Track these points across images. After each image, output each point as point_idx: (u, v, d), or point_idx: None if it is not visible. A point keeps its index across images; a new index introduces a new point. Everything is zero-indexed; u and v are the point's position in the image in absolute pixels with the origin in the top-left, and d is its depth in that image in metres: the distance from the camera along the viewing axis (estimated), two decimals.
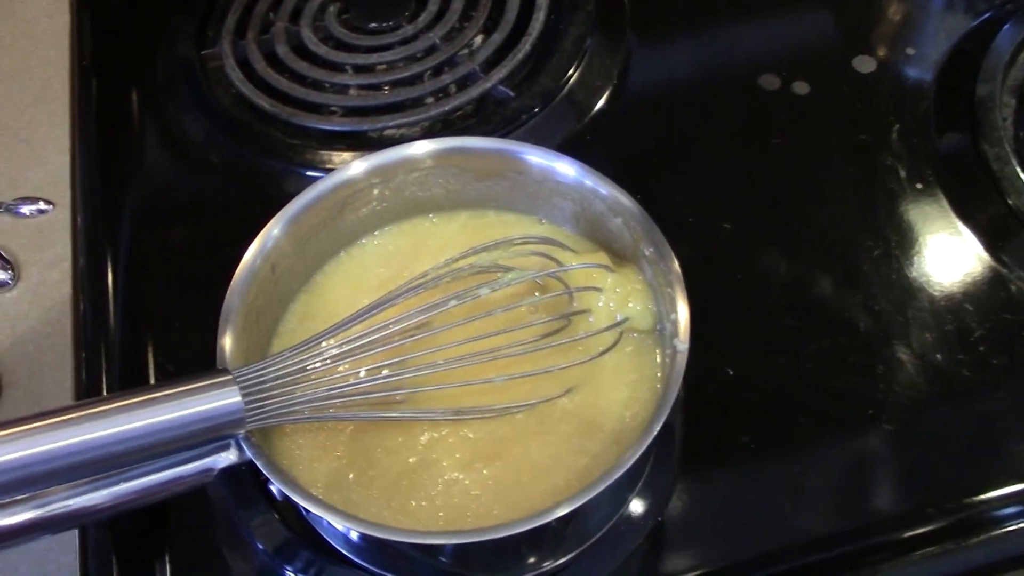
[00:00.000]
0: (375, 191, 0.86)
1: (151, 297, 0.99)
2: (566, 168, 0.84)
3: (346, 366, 0.77)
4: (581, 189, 0.84)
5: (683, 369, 0.74)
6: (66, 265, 1.00)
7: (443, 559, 0.78)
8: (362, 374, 0.79)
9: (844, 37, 1.13)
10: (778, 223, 0.99)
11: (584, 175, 0.83)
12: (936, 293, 0.93)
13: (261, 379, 0.72)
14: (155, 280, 1.00)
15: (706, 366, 0.88)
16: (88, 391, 0.92)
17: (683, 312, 0.76)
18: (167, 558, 0.85)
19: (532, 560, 0.81)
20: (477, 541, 0.70)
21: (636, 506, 0.83)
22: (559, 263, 0.83)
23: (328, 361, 0.76)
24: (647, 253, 0.80)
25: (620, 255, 0.84)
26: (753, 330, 0.93)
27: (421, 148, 0.85)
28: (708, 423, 0.88)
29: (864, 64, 1.09)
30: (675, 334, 0.76)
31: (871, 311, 0.92)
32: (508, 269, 0.82)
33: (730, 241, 0.98)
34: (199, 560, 0.86)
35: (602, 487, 0.69)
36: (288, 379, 0.73)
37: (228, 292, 0.78)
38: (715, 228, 0.98)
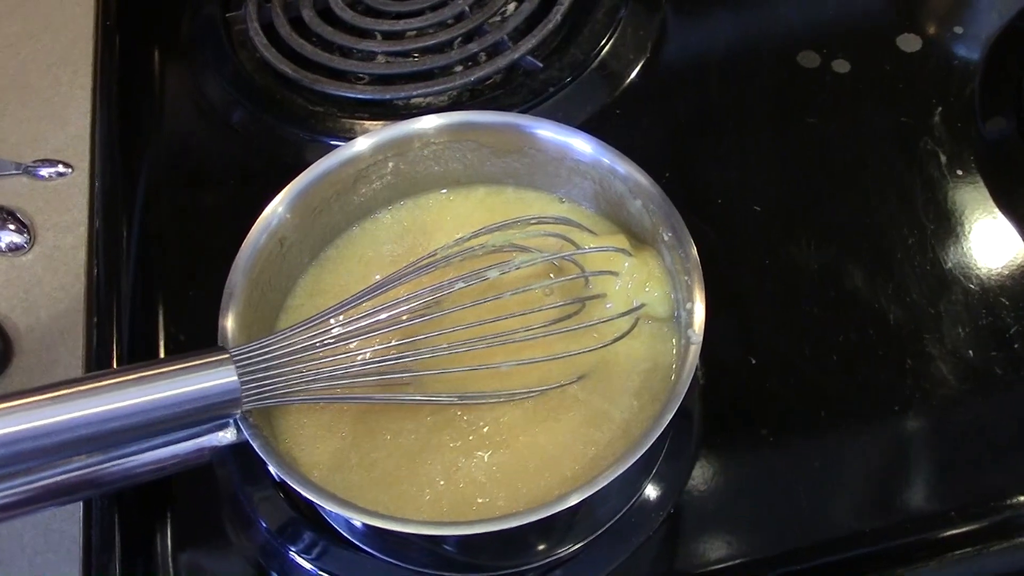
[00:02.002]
0: (390, 164, 0.84)
1: (165, 264, 0.97)
2: (583, 145, 0.81)
3: (349, 347, 0.76)
4: (599, 168, 0.81)
5: (696, 362, 0.72)
6: (82, 230, 0.99)
7: (447, 547, 0.77)
8: (367, 355, 0.77)
9: (889, 13, 1.08)
10: (811, 207, 0.96)
11: (602, 153, 0.81)
12: (971, 286, 0.90)
13: (259, 358, 0.70)
14: (170, 247, 0.99)
15: (728, 353, 0.87)
16: (98, 359, 0.91)
17: (699, 302, 0.74)
18: (169, 530, 0.84)
19: (541, 548, 0.79)
20: (478, 533, 0.68)
21: (650, 495, 0.82)
22: (576, 245, 0.80)
23: (330, 341, 0.73)
24: (666, 238, 0.78)
25: (640, 238, 0.82)
26: (779, 318, 0.90)
27: (431, 122, 0.83)
28: (728, 412, 0.86)
29: (909, 43, 1.05)
30: (690, 324, 0.73)
31: (902, 302, 0.89)
32: (522, 249, 0.80)
33: (760, 224, 0.95)
34: (202, 534, 0.85)
35: (608, 480, 0.67)
36: (287, 359, 0.72)
37: (231, 269, 0.77)
38: (745, 210, 0.95)
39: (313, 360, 0.73)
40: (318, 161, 0.81)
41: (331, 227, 0.85)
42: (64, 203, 1.00)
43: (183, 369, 0.68)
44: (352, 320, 0.74)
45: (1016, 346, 0.87)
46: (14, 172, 1.02)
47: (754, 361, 0.87)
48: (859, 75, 1.03)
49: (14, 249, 0.98)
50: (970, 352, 0.86)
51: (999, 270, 0.90)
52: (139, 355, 0.91)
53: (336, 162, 0.82)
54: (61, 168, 1.02)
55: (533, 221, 0.82)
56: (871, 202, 0.95)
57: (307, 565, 0.81)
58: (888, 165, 0.98)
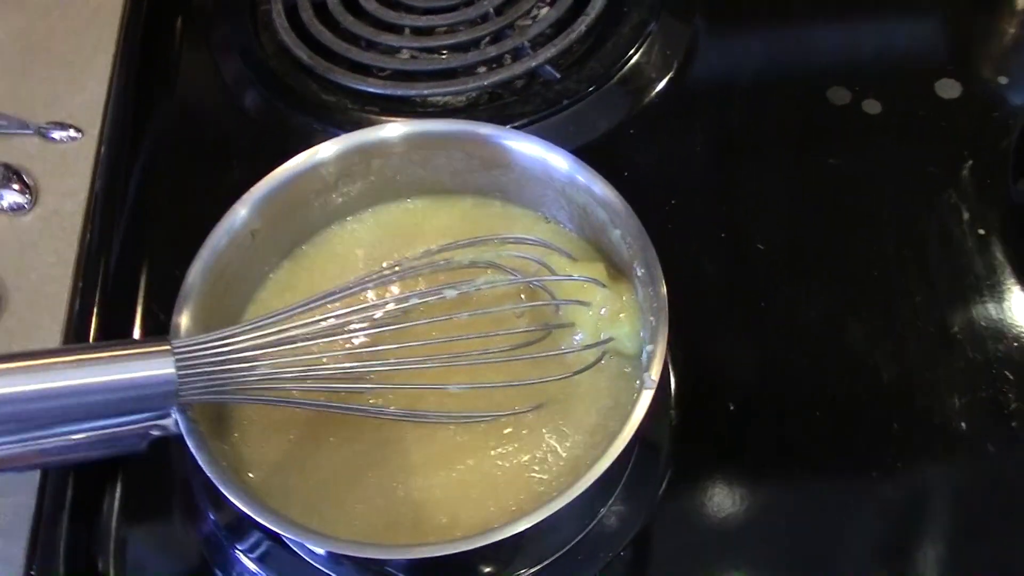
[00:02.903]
0: (373, 165, 0.82)
1: (156, 240, 0.97)
2: (560, 162, 0.79)
3: (298, 350, 0.74)
4: (578, 189, 0.78)
5: (645, 409, 0.68)
6: (83, 197, 0.98)
7: (389, 568, 0.75)
8: (322, 361, 0.75)
9: (932, 55, 1.04)
10: (818, 251, 0.92)
11: (578, 171, 0.78)
12: (975, 355, 0.85)
13: (203, 353, 0.69)
14: (162, 222, 0.98)
15: (706, 395, 0.84)
16: (77, 327, 0.90)
17: (661, 345, 0.70)
18: (117, 505, 0.83)
19: (488, 571, 0.78)
20: (406, 559, 0.67)
21: (608, 524, 0.79)
22: (551, 269, 0.78)
23: (279, 343, 0.71)
24: (639, 273, 0.74)
25: (619, 268, 0.79)
26: (765, 364, 0.86)
27: (399, 130, 0.81)
28: (698, 457, 0.83)
29: (948, 88, 1.00)
30: (648, 368, 0.70)
31: (899, 362, 0.85)
32: (494, 266, 0.78)
33: (762, 263, 0.91)
34: (150, 514, 0.84)
35: (542, 518, 0.65)
36: (233, 356, 0.70)
37: (191, 266, 0.76)
38: (748, 247, 0.91)
39: (259, 360, 0.71)
40: (283, 165, 0.80)
41: (308, 224, 0.84)
42: (70, 167, 1.00)
43: (121, 356, 0.67)
44: (305, 324, 0.72)
45: (1014, 424, 0.82)
46: (27, 132, 1.02)
47: (732, 407, 0.83)
48: (889, 118, 0.99)
49: (15, 209, 0.97)
50: (963, 424, 0.82)
51: (1008, 341, 0.85)
52: (117, 328, 0.91)
53: (301, 166, 0.80)
54: (72, 132, 1.02)
55: (511, 240, 0.79)
56: (882, 251, 0.91)
57: (250, 564, 0.80)
58: (906, 214, 0.93)
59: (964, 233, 0.91)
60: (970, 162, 0.95)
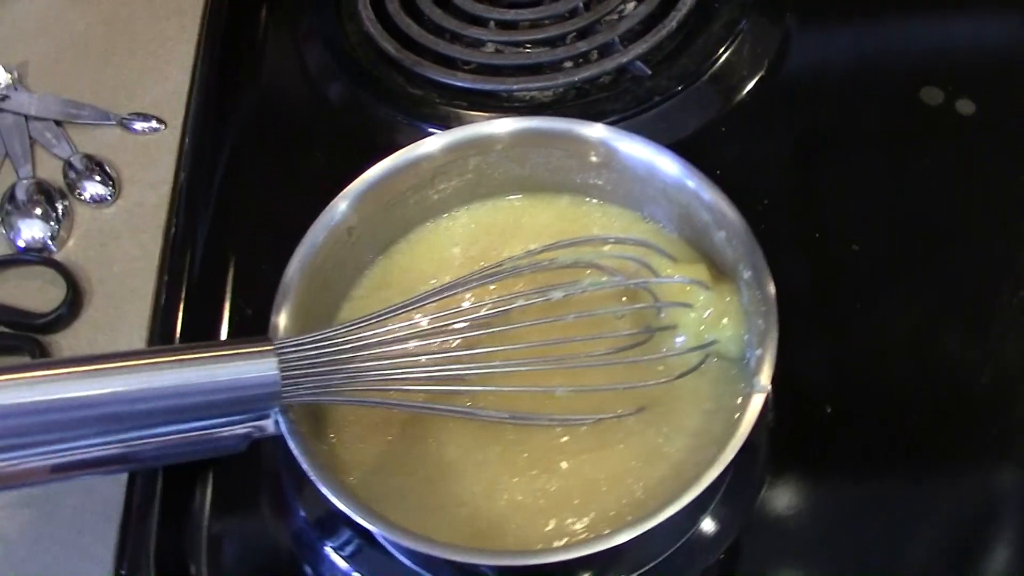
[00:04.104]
0: (471, 162, 0.81)
1: (242, 232, 0.96)
2: (669, 166, 0.78)
3: (401, 351, 0.73)
4: (684, 191, 0.77)
5: (757, 413, 0.68)
6: (166, 189, 0.97)
7: (482, 570, 0.75)
8: (420, 361, 0.74)
9: None
10: (913, 252, 0.90)
11: (688, 175, 0.77)
12: None
13: (305, 353, 0.69)
14: (248, 216, 0.97)
15: (804, 397, 0.83)
16: (163, 321, 0.90)
17: (771, 349, 0.69)
18: (208, 503, 0.82)
19: None
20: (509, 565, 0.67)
21: (705, 531, 0.78)
22: (653, 271, 0.77)
23: (381, 344, 0.71)
24: (745, 276, 0.74)
25: (721, 270, 0.78)
26: (862, 366, 0.85)
27: (507, 127, 0.81)
28: (797, 460, 0.81)
29: None
30: (758, 372, 0.69)
31: (996, 367, 0.83)
32: (596, 267, 0.77)
33: (856, 264, 0.90)
34: (240, 511, 0.83)
35: (653, 524, 0.64)
36: (335, 357, 0.69)
37: (289, 262, 0.76)
38: (843, 247, 0.90)
39: (361, 361, 0.70)
40: (388, 158, 0.79)
41: (404, 220, 0.83)
42: (153, 159, 1.00)
43: (225, 356, 0.67)
44: (407, 324, 0.72)
45: None
46: (109, 123, 1.02)
47: (829, 410, 0.82)
48: (984, 119, 0.97)
49: (98, 201, 0.97)
50: None
51: None
52: (203, 323, 0.90)
53: (405, 161, 0.79)
54: (155, 123, 1.02)
55: (612, 240, 0.78)
56: (977, 255, 0.90)
57: (340, 563, 0.79)
58: (1001, 217, 0.92)
59: None
60: None
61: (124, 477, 0.82)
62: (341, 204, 0.78)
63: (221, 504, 0.83)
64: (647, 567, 0.77)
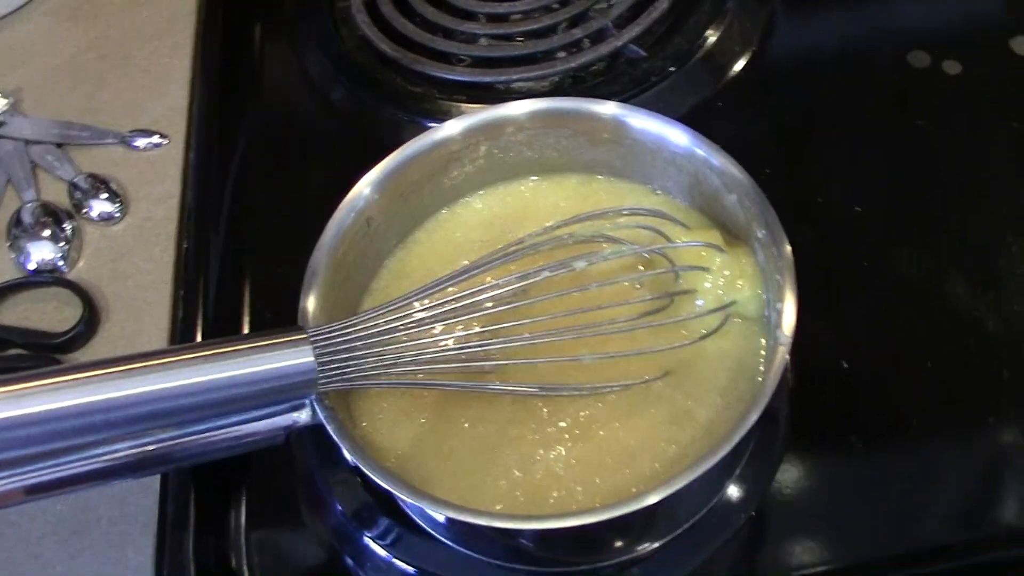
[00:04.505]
0: (482, 148, 0.83)
1: (255, 239, 0.97)
2: (679, 136, 0.79)
3: (430, 332, 0.74)
4: (694, 160, 0.79)
5: (783, 363, 0.69)
6: (174, 202, 0.98)
7: (523, 540, 0.76)
8: (449, 342, 0.76)
9: (1005, 14, 1.04)
10: (913, 210, 0.92)
11: (697, 144, 0.78)
12: None
13: (338, 340, 0.69)
14: (260, 222, 0.99)
15: (820, 356, 0.84)
16: (183, 331, 0.90)
17: (790, 302, 0.71)
18: (243, 508, 0.83)
19: (619, 545, 0.78)
20: (555, 527, 0.67)
21: (731, 496, 0.79)
22: (667, 238, 0.78)
23: (411, 326, 0.72)
24: (759, 235, 0.75)
25: (734, 234, 0.80)
26: (873, 323, 0.87)
27: (525, 107, 0.82)
28: (816, 416, 0.83)
29: (1023, 45, 1.01)
30: (779, 324, 0.71)
31: (1003, 313, 0.85)
32: (612, 240, 0.78)
33: (860, 225, 0.92)
34: (275, 513, 0.84)
35: (689, 480, 0.65)
36: (366, 342, 0.70)
37: (316, 248, 0.76)
38: (845, 210, 0.92)
39: (393, 344, 0.71)
40: (408, 143, 0.80)
41: (420, 209, 0.84)
42: (158, 174, 1.00)
43: (259, 347, 0.67)
44: (435, 305, 0.73)
45: None
46: (111, 142, 1.03)
47: (846, 365, 0.84)
48: (970, 77, 0.99)
49: (106, 218, 0.98)
50: None
51: None
52: (224, 330, 0.91)
53: (426, 145, 0.81)
54: (157, 139, 1.03)
55: (625, 212, 0.80)
56: (976, 208, 0.92)
57: (381, 551, 0.80)
58: (996, 171, 0.94)
59: None
60: None
61: (156, 487, 0.82)
62: (364, 188, 0.79)
63: (257, 507, 0.84)
64: (676, 533, 0.78)
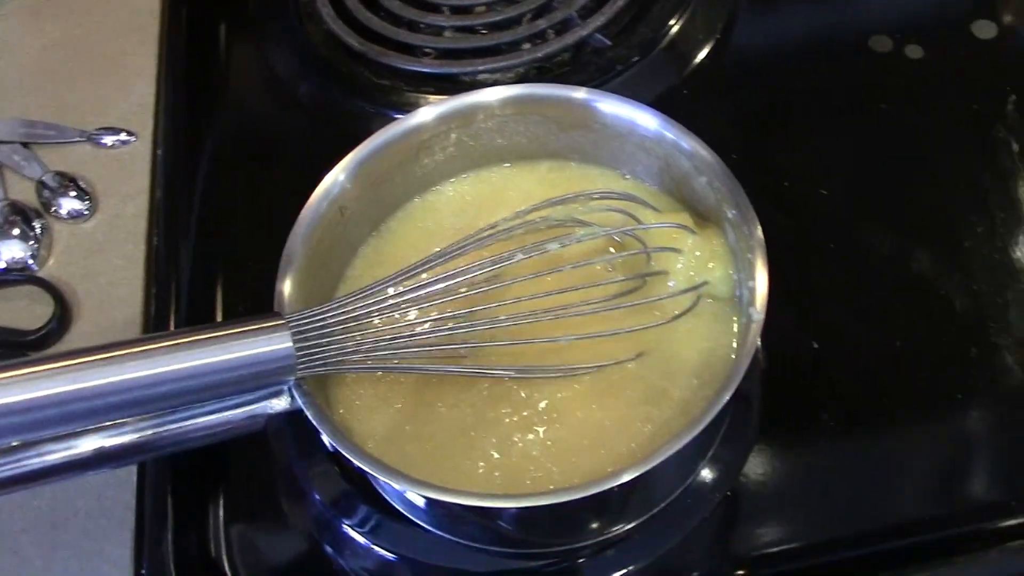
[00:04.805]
0: (453, 136, 0.83)
1: (226, 234, 0.97)
2: (648, 120, 0.80)
3: (406, 316, 0.75)
4: (664, 144, 0.80)
5: (757, 340, 0.71)
6: (143, 198, 0.98)
7: (501, 522, 0.76)
8: (425, 326, 0.76)
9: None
10: (879, 192, 0.94)
11: (667, 128, 0.80)
12: None
13: (315, 325, 0.70)
14: (231, 217, 0.98)
15: (790, 337, 0.85)
16: (156, 327, 0.90)
17: (762, 280, 0.72)
18: (222, 501, 0.83)
19: (595, 526, 0.78)
20: (534, 506, 0.67)
21: (706, 476, 0.80)
22: (638, 221, 0.79)
23: (388, 310, 0.73)
24: (730, 216, 0.76)
25: (704, 216, 0.81)
26: (842, 303, 0.88)
27: (495, 95, 0.83)
28: (788, 396, 0.84)
29: (984, 29, 1.02)
30: (751, 302, 0.72)
31: (969, 291, 0.87)
32: (583, 224, 0.79)
33: (826, 208, 0.93)
34: (254, 505, 0.84)
35: (666, 456, 0.66)
36: (344, 326, 0.71)
37: (291, 234, 0.77)
38: (812, 193, 0.93)
39: (370, 328, 0.72)
40: (381, 130, 0.81)
41: (392, 198, 0.85)
42: (126, 171, 1.00)
43: (238, 334, 0.68)
44: (410, 289, 0.74)
45: None
46: (78, 140, 1.02)
47: (816, 345, 0.85)
48: (932, 61, 1.01)
49: (75, 216, 0.98)
50: None
51: None
52: (197, 324, 0.90)
53: (399, 132, 0.81)
54: (124, 136, 1.02)
55: (596, 196, 0.81)
56: (940, 189, 0.93)
57: (360, 539, 0.80)
58: (959, 152, 0.95)
59: (1016, 164, 0.93)
60: (1013, 97, 0.97)
61: (133, 481, 0.82)
62: (339, 175, 0.80)
63: (236, 499, 0.84)
64: (651, 514, 0.79)
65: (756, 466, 0.81)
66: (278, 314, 0.70)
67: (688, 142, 0.79)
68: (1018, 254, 0.88)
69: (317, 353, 0.70)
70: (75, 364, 0.64)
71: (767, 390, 0.84)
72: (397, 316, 0.74)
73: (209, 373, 0.66)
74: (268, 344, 0.68)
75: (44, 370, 0.63)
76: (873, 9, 1.06)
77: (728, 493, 0.80)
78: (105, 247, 0.96)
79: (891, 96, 0.99)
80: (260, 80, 1.09)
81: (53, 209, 0.98)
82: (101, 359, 0.64)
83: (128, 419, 0.69)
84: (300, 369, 0.69)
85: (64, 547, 0.81)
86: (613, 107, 0.81)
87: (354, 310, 0.71)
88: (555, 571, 0.79)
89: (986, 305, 0.86)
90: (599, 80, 1.01)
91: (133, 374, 0.64)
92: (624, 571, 0.78)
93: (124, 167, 1.01)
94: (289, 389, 0.71)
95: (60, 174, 1.00)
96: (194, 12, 1.13)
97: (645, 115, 0.80)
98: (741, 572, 0.78)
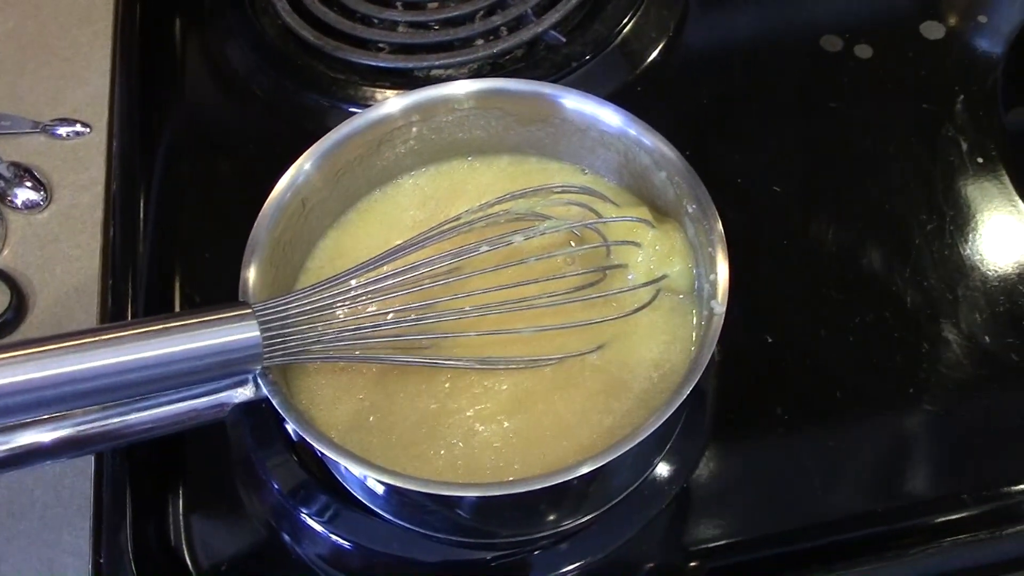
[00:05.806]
0: (414, 130, 0.84)
1: (183, 226, 0.97)
2: (611, 116, 0.81)
3: (371, 307, 0.76)
4: (625, 139, 0.81)
5: (718, 332, 0.71)
6: (99, 189, 0.98)
7: (460, 512, 0.77)
8: (388, 316, 0.77)
9: (912, 1, 1.08)
10: (831, 189, 0.96)
11: (629, 124, 0.80)
12: (989, 273, 0.90)
13: (281, 314, 0.70)
14: (188, 209, 0.98)
15: (745, 332, 0.86)
16: (113, 317, 0.90)
17: (723, 273, 0.74)
18: (181, 491, 0.84)
19: (552, 518, 0.79)
20: (495, 495, 0.68)
21: (662, 470, 0.82)
22: (599, 215, 0.80)
23: (352, 301, 0.74)
24: (690, 210, 0.77)
25: (663, 211, 0.82)
26: (796, 298, 0.90)
27: (461, 88, 0.83)
28: (742, 390, 0.86)
29: (932, 30, 1.05)
30: (713, 295, 0.73)
31: (920, 287, 0.89)
32: (545, 217, 0.80)
33: (780, 205, 0.95)
34: (213, 495, 0.84)
35: (626, 448, 0.67)
36: (309, 316, 0.71)
37: (255, 224, 0.77)
38: (765, 190, 0.95)
39: (334, 319, 0.73)
40: (345, 121, 0.81)
41: (353, 191, 0.85)
42: (81, 162, 1.00)
43: (206, 322, 0.68)
44: (374, 281, 0.74)
45: None
46: (32, 130, 1.02)
47: (770, 340, 0.87)
48: (881, 61, 1.03)
49: (31, 206, 0.97)
50: (986, 338, 0.87)
51: (1018, 257, 0.90)
52: (154, 314, 0.91)
53: (364, 123, 0.82)
54: (79, 127, 1.02)
55: (557, 189, 0.82)
56: (891, 186, 0.95)
57: (319, 528, 0.81)
58: (909, 151, 0.97)
59: (964, 163, 0.96)
60: (962, 97, 1.00)
61: (91, 469, 0.82)
62: (304, 164, 0.80)
63: (195, 489, 0.84)
64: (608, 507, 0.80)
65: (711, 459, 0.83)
66: (245, 303, 0.70)
67: (650, 138, 0.80)
68: (968, 251, 0.90)
69: (283, 342, 0.70)
70: (44, 351, 0.63)
71: (721, 384, 0.85)
72: (361, 306, 0.74)
73: (178, 361, 0.67)
74: (236, 332, 0.68)
75: (12, 356, 0.63)
76: (823, 9, 1.08)
77: (684, 486, 0.81)
78: (61, 237, 0.96)
79: (842, 95, 1.01)
80: (215, 73, 1.09)
81: (8, 200, 0.98)
82: (71, 346, 0.64)
83: (94, 407, 0.69)
84: (266, 358, 0.69)
85: (22, 536, 0.81)
86: (577, 103, 0.82)
87: (319, 300, 0.72)
88: (510, 563, 0.80)
89: (937, 301, 0.88)
90: (554, 76, 1.02)
91: (103, 361, 0.64)
92: (579, 563, 0.80)
93: (79, 158, 1.00)
94: (254, 378, 0.71)
95: (15, 164, 0.99)
96: (148, 4, 1.13)
97: (607, 111, 0.81)
98: (694, 564, 0.80)
